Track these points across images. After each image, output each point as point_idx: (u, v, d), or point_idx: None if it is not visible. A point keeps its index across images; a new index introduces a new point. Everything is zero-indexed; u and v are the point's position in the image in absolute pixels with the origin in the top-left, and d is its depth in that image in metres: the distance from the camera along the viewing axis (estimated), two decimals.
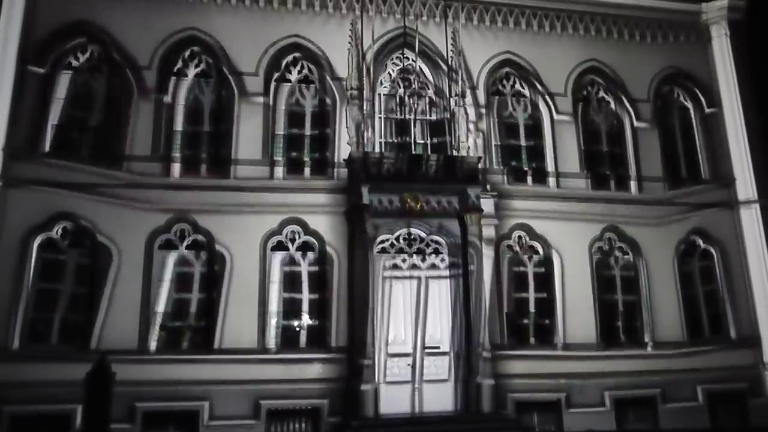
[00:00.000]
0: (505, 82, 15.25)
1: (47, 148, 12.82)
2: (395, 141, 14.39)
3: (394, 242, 13.47)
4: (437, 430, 11.91)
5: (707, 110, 16.03)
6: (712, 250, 15.13)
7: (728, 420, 13.86)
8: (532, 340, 13.78)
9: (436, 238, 13.60)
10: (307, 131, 14.05)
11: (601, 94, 15.73)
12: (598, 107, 15.66)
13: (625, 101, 15.65)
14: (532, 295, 14.03)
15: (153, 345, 12.32)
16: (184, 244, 12.89)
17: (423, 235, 13.57)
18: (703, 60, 16.33)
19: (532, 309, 13.95)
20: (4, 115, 12.42)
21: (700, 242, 15.10)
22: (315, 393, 12.46)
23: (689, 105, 16.24)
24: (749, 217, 15.15)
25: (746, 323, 14.62)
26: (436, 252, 13.57)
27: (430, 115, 14.67)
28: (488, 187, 13.97)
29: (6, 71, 12.62)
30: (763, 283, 14.70)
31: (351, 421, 11.95)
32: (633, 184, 15.15)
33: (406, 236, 13.53)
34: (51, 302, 12.15)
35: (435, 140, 14.49)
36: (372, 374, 12.40)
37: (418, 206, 13.40)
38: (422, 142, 14.47)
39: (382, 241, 13.38)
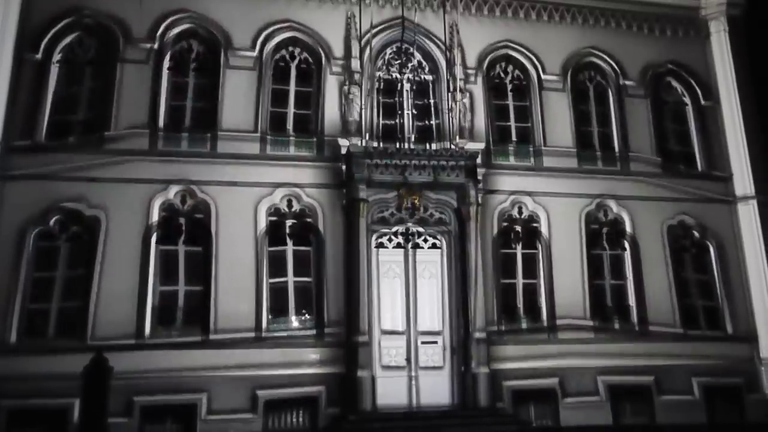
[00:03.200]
0: (501, 71, 15.25)
1: (42, 137, 12.77)
2: (392, 133, 14.25)
3: (392, 235, 13.52)
4: (435, 425, 11.92)
5: (704, 103, 16.03)
6: (709, 245, 15.16)
7: (724, 415, 13.91)
8: (523, 320, 13.81)
9: (432, 230, 13.64)
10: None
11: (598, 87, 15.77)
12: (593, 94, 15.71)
13: (622, 92, 15.62)
14: (520, 279, 14.05)
15: (148, 331, 12.21)
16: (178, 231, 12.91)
17: (420, 227, 13.61)
18: (701, 55, 16.33)
19: (521, 289, 13.97)
20: (2, 108, 12.37)
21: (697, 236, 15.11)
22: (311, 380, 12.45)
23: (687, 98, 16.23)
24: (746, 213, 15.17)
25: (743, 319, 14.68)
26: (433, 244, 13.63)
27: (429, 105, 14.62)
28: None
29: (3, 63, 12.55)
30: (760, 278, 14.74)
31: (348, 415, 11.98)
32: (629, 175, 15.09)
33: (404, 229, 13.57)
34: (48, 294, 12.12)
35: (433, 132, 14.45)
36: (368, 356, 12.43)
37: (416, 200, 13.42)
38: (419, 134, 14.40)
39: (380, 235, 13.42)
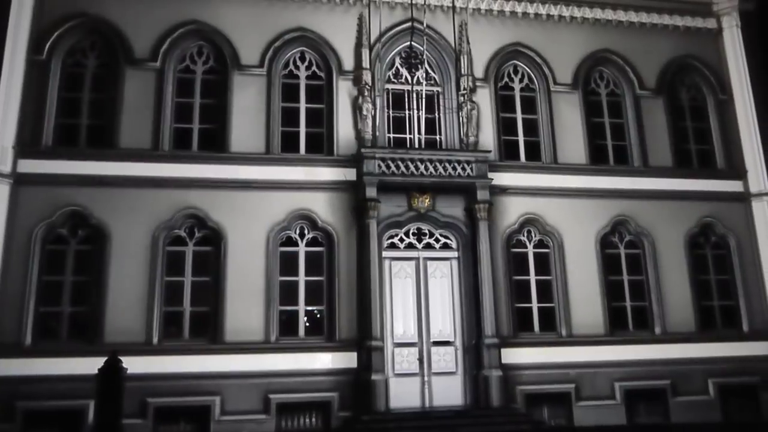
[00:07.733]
0: (512, 73, 15.16)
1: (50, 140, 12.86)
2: (402, 136, 14.30)
3: (403, 237, 13.51)
4: (448, 425, 11.90)
5: (720, 98, 15.90)
6: (725, 242, 15.03)
7: (740, 414, 13.80)
8: (536, 327, 13.74)
9: (443, 232, 13.63)
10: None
11: (611, 85, 15.64)
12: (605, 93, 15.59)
13: (635, 89, 15.49)
14: (533, 285, 13.99)
15: (158, 337, 12.29)
16: (189, 232, 12.98)
17: (431, 229, 13.60)
18: (714, 50, 16.18)
19: (535, 296, 13.90)
20: (14, 113, 12.47)
21: (712, 233, 15.00)
22: (324, 386, 12.47)
23: (701, 94, 16.10)
24: (761, 210, 15.03)
25: (759, 316, 14.54)
26: (445, 246, 13.61)
27: (438, 109, 14.57)
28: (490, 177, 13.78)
29: (15, 69, 12.63)
30: None
31: (362, 416, 11.99)
32: (643, 173, 15.00)
33: (415, 231, 13.57)
34: (61, 297, 12.22)
35: (443, 134, 14.42)
36: (381, 360, 12.40)
37: (426, 202, 13.40)
38: (430, 136, 14.37)
39: (391, 236, 13.42)
